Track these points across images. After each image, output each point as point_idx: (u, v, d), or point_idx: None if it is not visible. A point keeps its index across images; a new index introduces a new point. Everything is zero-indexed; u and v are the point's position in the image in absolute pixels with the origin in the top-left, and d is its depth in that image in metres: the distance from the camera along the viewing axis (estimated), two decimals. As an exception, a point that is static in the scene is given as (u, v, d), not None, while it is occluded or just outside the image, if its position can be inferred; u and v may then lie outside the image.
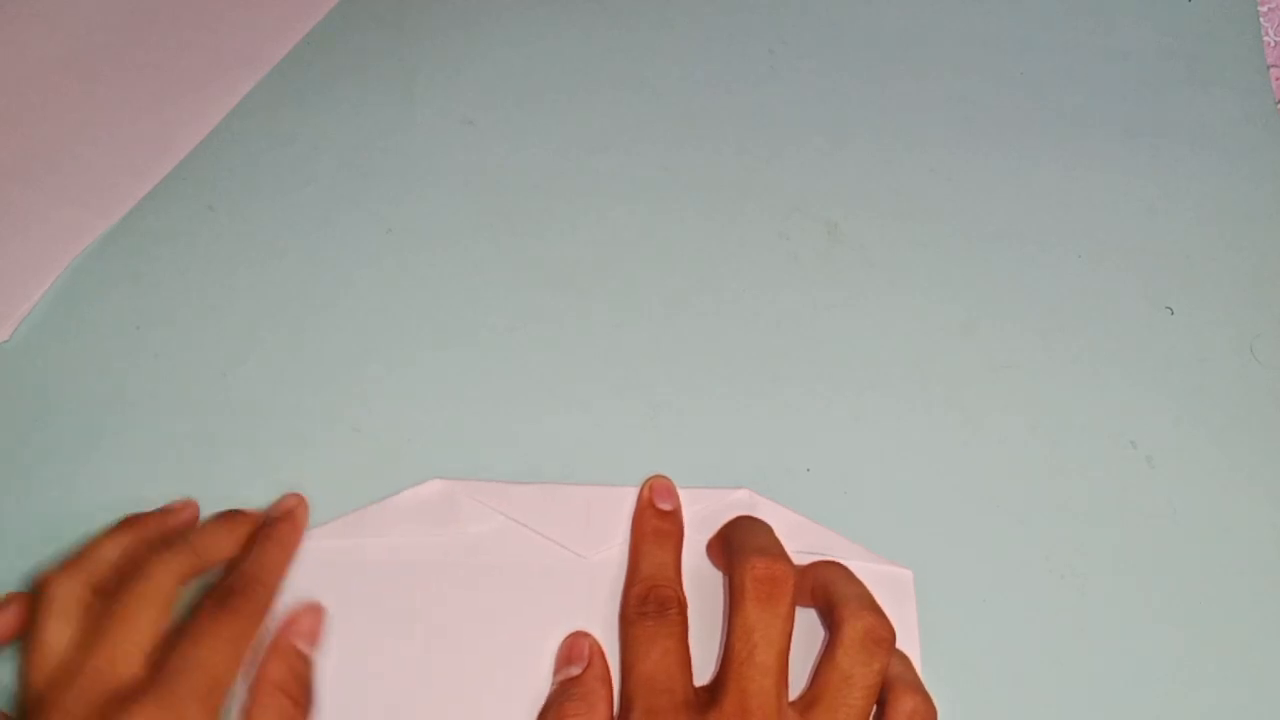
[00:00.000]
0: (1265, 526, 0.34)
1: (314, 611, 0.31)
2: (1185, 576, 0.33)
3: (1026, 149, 0.42)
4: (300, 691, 0.28)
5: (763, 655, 0.27)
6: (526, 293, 0.38)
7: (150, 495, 0.34)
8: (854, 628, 0.27)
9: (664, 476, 0.33)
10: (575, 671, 0.30)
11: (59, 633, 0.26)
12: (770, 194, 0.41)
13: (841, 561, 0.31)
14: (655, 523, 0.32)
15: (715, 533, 0.32)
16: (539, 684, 0.30)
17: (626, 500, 0.33)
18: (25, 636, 0.27)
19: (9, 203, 0.40)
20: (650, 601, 0.29)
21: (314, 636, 0.30)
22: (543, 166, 0.42)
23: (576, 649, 0.30)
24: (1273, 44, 0.46)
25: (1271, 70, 0.45)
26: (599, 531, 0.33)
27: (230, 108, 0.43)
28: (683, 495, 0.33)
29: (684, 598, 0.30)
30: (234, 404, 0.36)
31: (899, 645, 0.29)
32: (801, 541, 0.32)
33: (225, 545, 0.30)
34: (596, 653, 0.30)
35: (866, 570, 0.31)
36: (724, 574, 0.32)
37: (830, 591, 0.29)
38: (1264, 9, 0.47)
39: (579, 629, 0.31)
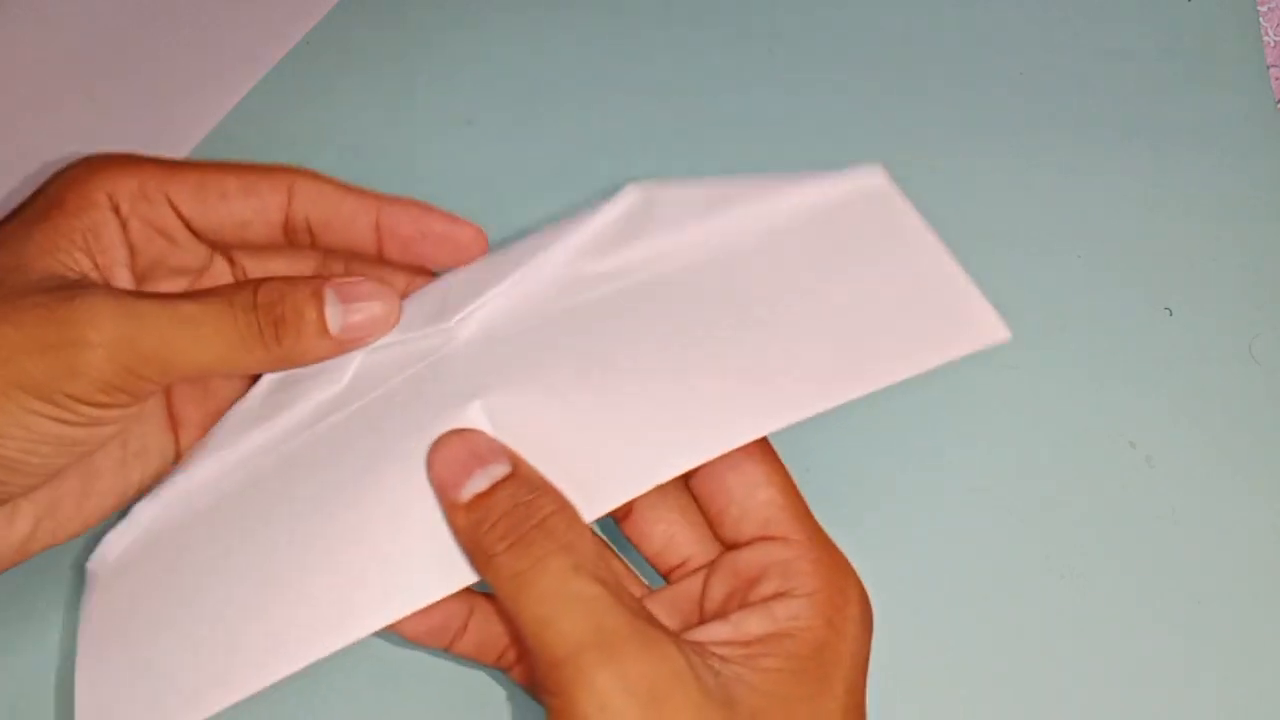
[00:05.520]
0: (1265, 526, 0.34)
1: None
2: (1185, 576, 0.33)
3: (1026, 149, 0.42)
4: None
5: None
6: (526, 293, 0.38)
7: (150, 495, 0.34)
8: None
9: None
10: (504, 470, 0.22)
11: None
12: (770, 194, 0.41)
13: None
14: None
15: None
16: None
17: None
18: None
19: (10, 203, 0.40)
20: None
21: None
22: (543, 166, 0.42)
23: (486, 446, 0.23)
24: (1273, 44, 0.46)
25: (1271, 70, 0.45)
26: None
27: (230, 108, 0.43)
28: (791, 191, 0.27)
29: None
30: (234, 404, 0.36)
31: (907, 248, 0.26)
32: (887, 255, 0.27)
33: None
34: (512, 451, 0.23)
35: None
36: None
37: None
38: (1264, 9, 0.47)
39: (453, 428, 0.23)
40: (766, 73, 0.45)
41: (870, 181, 0.28)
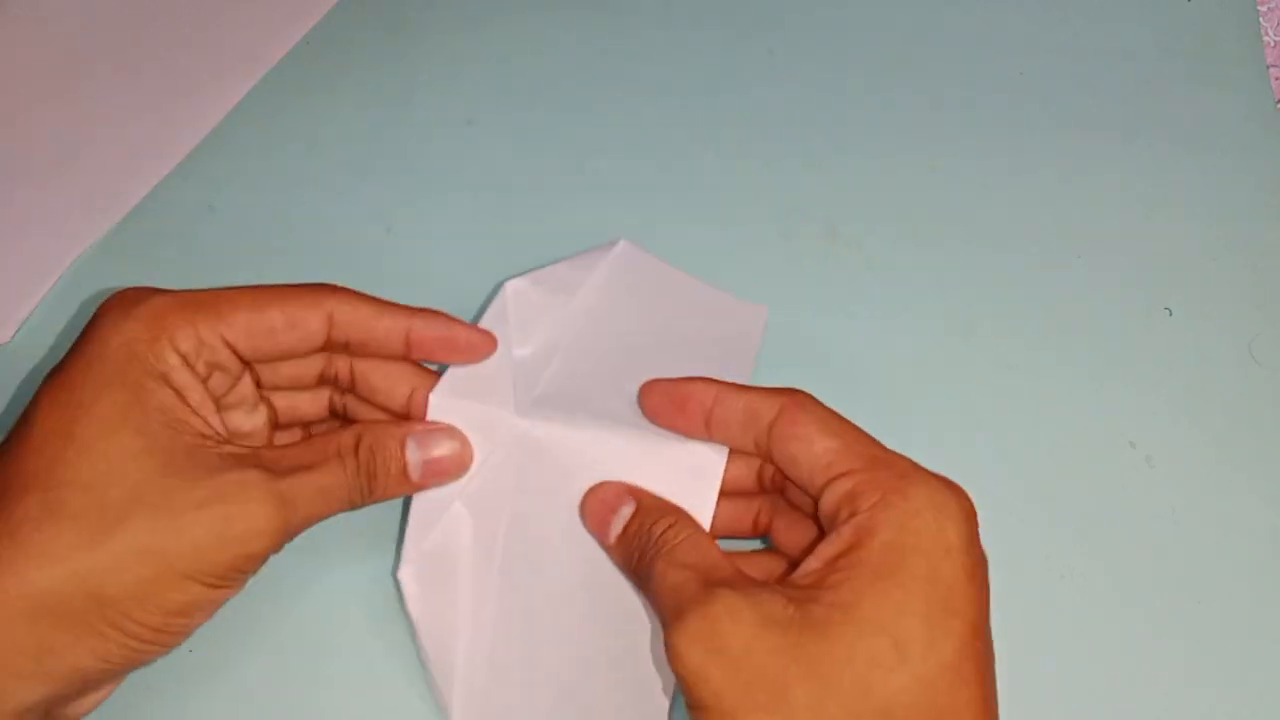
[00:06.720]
0: (1265, 527, 0.34)
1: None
2: (1185, 576, 0.33)
3: (1026, 149, 0.42)
4: None
5: None
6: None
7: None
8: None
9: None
10: (630, 510, 0.28)
11: None
12: (770, 194, 0.41)
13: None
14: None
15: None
16: None
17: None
18: None
19: (9, 202, 0.40)
20: None
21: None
22: (543, 166, 0.42)
23: (614, 492, 0.29)
24: (1273, 44, 0.46)
25: (1271, 70, 0.45)
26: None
27: (230, 108, 0.43)
28: (555, 271, 0.34)
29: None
30: (234, 404, 0.36)
31: (729, 373, 0.30)
32: (667, 291, 0.35)
33: None
34: (635, 488, 0.29)
35: (721, 307, 0.36)
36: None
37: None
38: (1264, 9, 0.47)
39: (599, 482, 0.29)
40: (766, 73, 0.45)
41: (619, 250, 0.35)
